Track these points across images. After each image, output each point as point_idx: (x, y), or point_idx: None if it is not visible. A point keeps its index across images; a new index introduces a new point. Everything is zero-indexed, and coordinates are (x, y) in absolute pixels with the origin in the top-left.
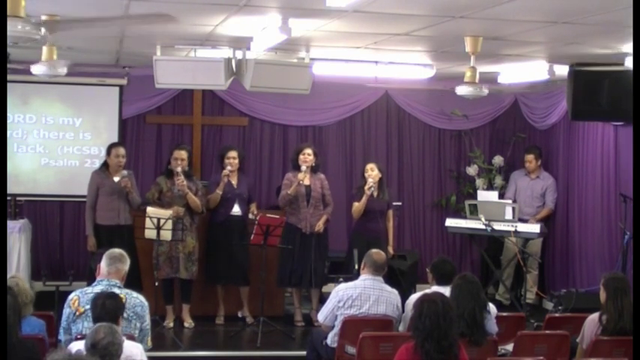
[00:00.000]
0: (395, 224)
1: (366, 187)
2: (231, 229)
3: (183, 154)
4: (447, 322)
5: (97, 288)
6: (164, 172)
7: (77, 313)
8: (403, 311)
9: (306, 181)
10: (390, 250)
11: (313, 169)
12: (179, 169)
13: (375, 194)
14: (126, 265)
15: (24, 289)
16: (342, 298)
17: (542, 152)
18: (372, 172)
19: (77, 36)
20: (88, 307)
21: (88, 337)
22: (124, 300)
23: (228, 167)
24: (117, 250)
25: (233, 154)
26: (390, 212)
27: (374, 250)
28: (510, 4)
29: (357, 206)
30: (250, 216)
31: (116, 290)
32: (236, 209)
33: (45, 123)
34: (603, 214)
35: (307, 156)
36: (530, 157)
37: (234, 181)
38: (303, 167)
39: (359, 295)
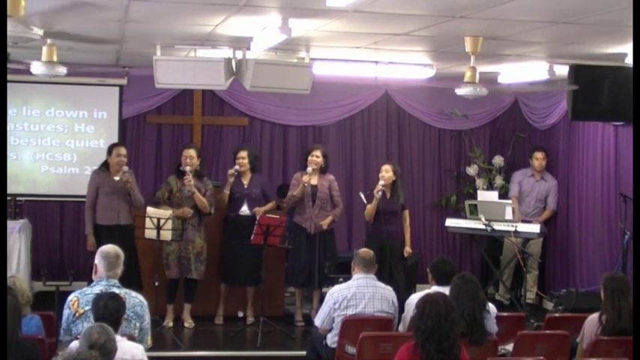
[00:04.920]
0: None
1: (375, 191)
2: (240, 229)
3: (192, 152)
4: (449, 323)
5: (95, 288)
6: (175, 172)
7: (77, 315)
8: (401, 309)
9: (314, 181)
10: (408, 249)
11: (322, 170)
12: (188, 168)
13: (388, 195)
14: (122, 263)
15: (21, 290)
16: (337, 299)
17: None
18: (386, 174)
19: (76, 31)
20: (87, 308)
21: (83, 340)
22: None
23: (236, 167)
24: (111, 251)
25: (242, 154)
26: (406, 213)
27: (361, 250)
28: (510, 4)
29: (368, 209)
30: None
31: (115, 290)
32: (244, 209)
33: (44, 123)
34: (603, 214)
35: (316, 158)
36: (541, 154)
37: (245, 181)
38: (309, 169)
39: (353, 294)
